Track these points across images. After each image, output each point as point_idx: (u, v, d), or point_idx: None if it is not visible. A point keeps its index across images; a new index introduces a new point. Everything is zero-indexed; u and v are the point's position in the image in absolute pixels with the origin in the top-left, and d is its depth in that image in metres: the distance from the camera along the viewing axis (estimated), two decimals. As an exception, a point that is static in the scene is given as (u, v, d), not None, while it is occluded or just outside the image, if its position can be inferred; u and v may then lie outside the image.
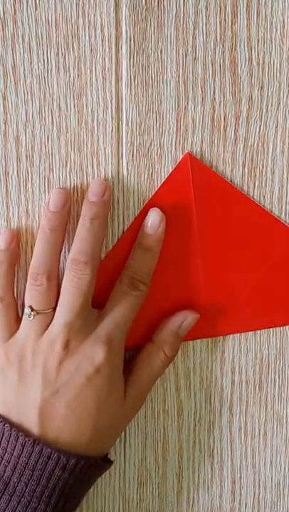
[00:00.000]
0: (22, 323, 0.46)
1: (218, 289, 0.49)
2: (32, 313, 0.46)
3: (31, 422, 0.45)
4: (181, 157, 0.48)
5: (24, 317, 0.46)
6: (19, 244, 0.48)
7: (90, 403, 0.45)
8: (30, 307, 0.46)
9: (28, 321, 0.46)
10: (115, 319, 0.46)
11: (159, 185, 0.49)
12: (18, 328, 0.47)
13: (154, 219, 0.47)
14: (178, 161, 0.48)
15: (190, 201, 0.48)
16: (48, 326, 0.46)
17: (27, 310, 0.46)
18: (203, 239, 0.48)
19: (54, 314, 0.46)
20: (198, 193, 0.48)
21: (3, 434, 0.45)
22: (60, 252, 0.47)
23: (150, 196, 0.48)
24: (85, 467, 0.45)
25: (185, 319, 0.48)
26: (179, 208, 0.48)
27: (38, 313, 0.46)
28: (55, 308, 0.46)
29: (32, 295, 0.46)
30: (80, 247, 0.46)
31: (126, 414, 0.48)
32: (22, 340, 0.46)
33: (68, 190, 0.48)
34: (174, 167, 0.48)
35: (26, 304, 0.46)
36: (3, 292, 0.47)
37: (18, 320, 0.47)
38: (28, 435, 0.45)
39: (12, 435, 0.44)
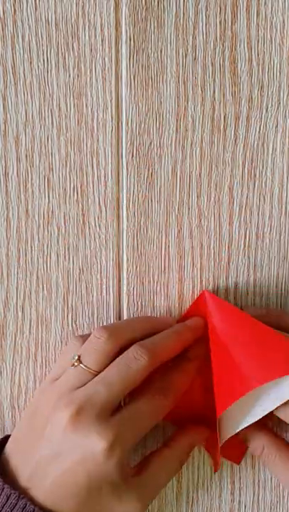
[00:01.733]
0: (67, 369, 0.46)
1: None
2: (76, 363, 0.45)
3: (25, 472, 0.44)
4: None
5: (70, 363, 0.46)
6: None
7: (81, 482, 0.43)
8: (79, 357, 0.45)
9: (71, 368, 0.45)
10: (132, 421, 0.44)
11: (158, 186, 0.49)
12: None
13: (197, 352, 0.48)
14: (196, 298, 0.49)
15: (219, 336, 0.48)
16: (84, 384, 0.45)
17: (75, 357, 0.45)
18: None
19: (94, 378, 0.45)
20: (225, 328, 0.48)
21: None
22: (137, 340, 0.46)
23: (150, 195, 0.49)
24: None
25: (201, 434, 0.49)
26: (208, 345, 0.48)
27: (81, 367, 0.45)
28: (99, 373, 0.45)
29: (86, 347, 0.45)
30: (155, 339, 0.46)
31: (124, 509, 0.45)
32: (57, 386, 0.45)
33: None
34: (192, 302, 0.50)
35: (78, 352, 0.46)
36: (120, 336, 0.46)
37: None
38: (17, 484, 0.44)
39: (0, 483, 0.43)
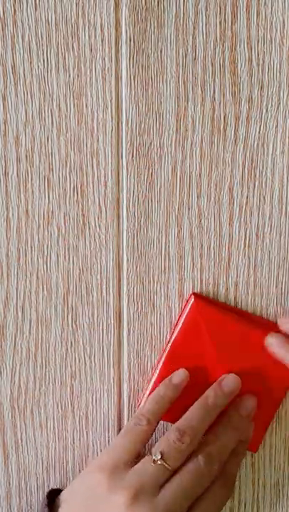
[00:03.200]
0: (144, 461, 0.46)
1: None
2: (160, 461, 0.45)
3: None
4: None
5: (151, 458, 0.46)
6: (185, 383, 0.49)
7: None
8: (162, 454, 0.46)
9: (150, 465, 0.45)
10: (179, 492, 0.45)
11: (158, 186, 0.49)
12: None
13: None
14: (185, 304, 0.50)
15: (208, 344, 0.50)
16: (164, 482, 0.45)
17: (158, 455, 0.46)
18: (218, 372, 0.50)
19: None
20: (213, 335, 0.50)
21: None
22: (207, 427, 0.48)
23: (150, 195, 0.49)
24: None
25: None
26: (198, 351, 0.50)
27: (165, 466, 0.45)
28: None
29: (169, 446, 0.46)
30: (220, 447, 0.47)
31: None
32: (139, 477, 0.45)
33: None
34: (181, 311, 0.50)
35: (159, 449, 0.46)
36: (154, 418, 0.47)
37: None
38: None
39: None
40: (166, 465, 0.45)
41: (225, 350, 0.50)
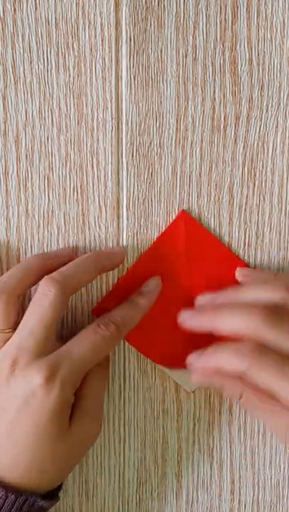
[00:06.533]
0: None
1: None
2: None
3: None
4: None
5: None
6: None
7: (27, 428, 0.42)
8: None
9: None
10: (70, 353, 0.44)
11: (158, 186, 0.49)
12: None
13: (152, 286, 0.49)
14: (174, 218, 0.49)
15: (181, 255, 0.49)
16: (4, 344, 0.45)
17: None
18: (190, 289, 0.49)
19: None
20: (189, 248, 0.49)
21: None
22: (34, 278, 0.46)
23: (150, 195, 0.49)
24: (18, 502, 0.42)
25: None
26: (170, 261, 0.49)
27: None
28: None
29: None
30: (63, 268, 0.45)
31: (75, 446, 0.45)
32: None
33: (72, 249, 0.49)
34: (169, 223, 0.49)
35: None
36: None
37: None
38: None
39: None
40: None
41: (199, 265, 0.49)
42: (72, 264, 0.46)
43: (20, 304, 0.46)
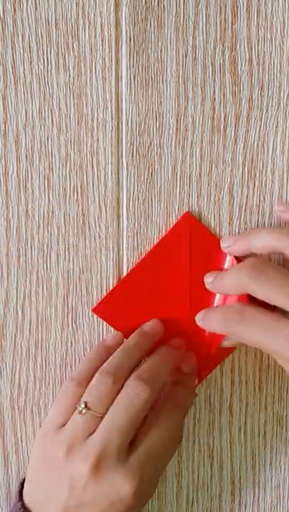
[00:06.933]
0: (73, 416, 0.45)
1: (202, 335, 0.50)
2: (84, 411, 0.44)
3: None
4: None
5: (77, 410, 0.45)
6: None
7: None
8: (86, 404, 0.45)
9: (78, 416, 0.45)
10: (148, 449, 0.44)
11: (158, 186, 0.49)
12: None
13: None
14: (178, 218, 0.49)
15: (185, 257, 0.49)
16: (95, 429, 0.44)
17: (82, 405, 0.45)
18: (193, 290, 0.49)
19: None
20: (193, 249, 0.49)
21: None
22: (135, 365, 0.47)
23: (150, 195, 0.49)
24: None
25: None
26: (174, 262, 0.49)
27: (91, 413, 0.44)
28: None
29: (92, 392, 0.45)
30: (149, 369, 0.46)
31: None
32: (67, 435, 0.45)
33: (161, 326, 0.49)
34: (171, 223, 0.49)
35: (83, 398, 0.45)
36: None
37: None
38: None
39: None
40: (92, 412, 0.44)
41: (202, 267, 0.49)
42: (158, 363, 0.47)
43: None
